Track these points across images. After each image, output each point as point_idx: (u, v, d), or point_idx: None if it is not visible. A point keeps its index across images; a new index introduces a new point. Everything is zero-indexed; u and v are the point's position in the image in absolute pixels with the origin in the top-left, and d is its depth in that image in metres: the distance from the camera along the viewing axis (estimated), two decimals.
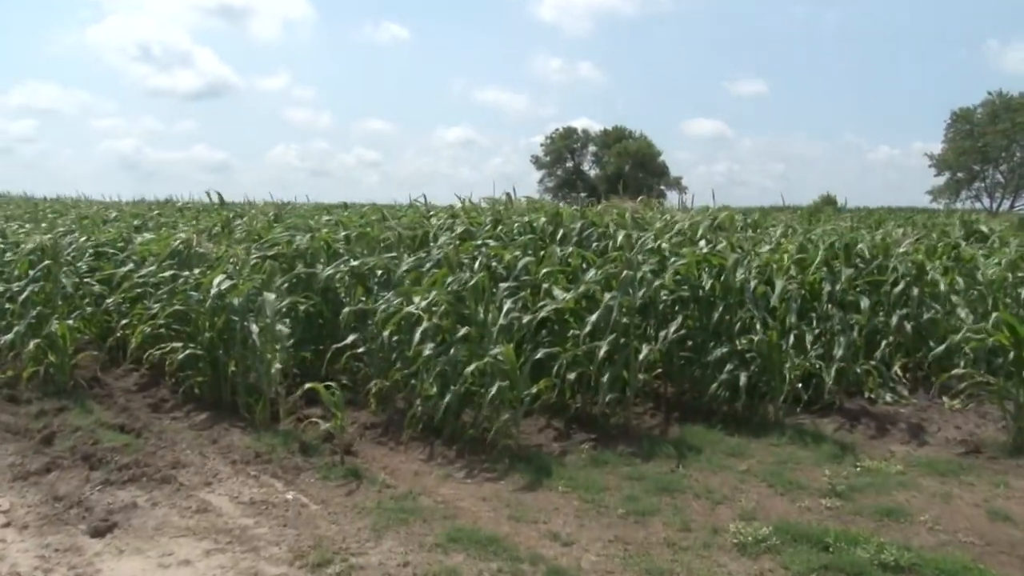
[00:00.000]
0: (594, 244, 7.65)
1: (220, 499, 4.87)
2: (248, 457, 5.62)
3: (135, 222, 12.29)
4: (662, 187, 62.52)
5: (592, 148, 71.93)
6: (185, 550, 4.13)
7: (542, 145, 72.31)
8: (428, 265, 6.82)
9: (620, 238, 7.29)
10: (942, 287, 8.16)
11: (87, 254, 9.41)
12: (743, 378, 6.27)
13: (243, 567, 3.95)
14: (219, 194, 15.33)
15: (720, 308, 6.64)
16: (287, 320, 7.18)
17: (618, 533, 4.34)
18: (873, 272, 7.94)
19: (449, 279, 5.91)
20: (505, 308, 5.80)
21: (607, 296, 5.99)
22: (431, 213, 9.58)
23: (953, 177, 62.88)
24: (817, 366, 6.72)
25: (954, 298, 8.22)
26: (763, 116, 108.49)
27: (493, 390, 5.30)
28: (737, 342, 6.56)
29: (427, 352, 5.73)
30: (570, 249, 7.32)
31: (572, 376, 6.10)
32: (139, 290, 7.78)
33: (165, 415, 6.78)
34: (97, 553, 4.08)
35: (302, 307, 7.12)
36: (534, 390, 5.65)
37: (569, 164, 72.20)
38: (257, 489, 5.05)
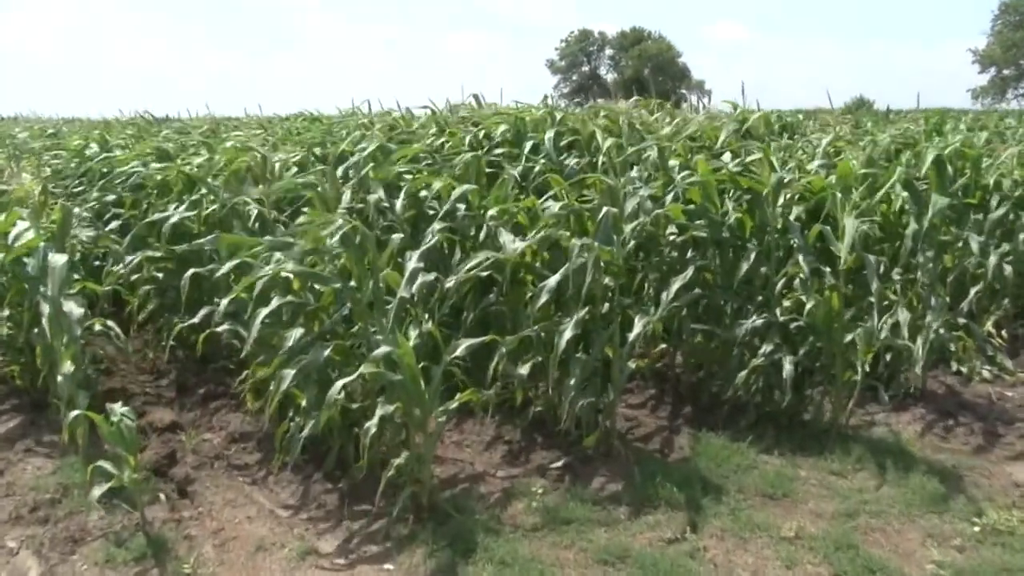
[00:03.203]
0: (573, 161, 5.41)
1: None
2: (23, 508, 3.65)
3: (36, 144, 10.17)
4: (683, 91, 58.74)
5: (609, 51, 67.76)
6: None
7: (557, 49, 68.22)
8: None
9: (609, 148, 5.09)
10: None
11: None
12: (788, 365, 4.12)
13: None
14: (168, 116, 13.52)
15: (751, 256, 4.41)
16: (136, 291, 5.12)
17: None
18: (958, 194, 5.66)
19: (320, 224, 3.68)
20: (410, 269, 3.65)
21: (576, 244, 3.78)
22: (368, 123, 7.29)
23: (999, 74, 58.19)
24: (896, 339, 4.56)
25: None
26: (789, 17, 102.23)
27: (374, 420, 3.19)
28: (778, 309, 4.38)
29: (290, 343, 3.63)
30: (537, 167, 5.13)
31: (524, 371, 3.99)
32: None
33: None
34: None
35: (154, 267, 5.00)
36: (454, 404, 3.54)
37: (585, 68, 68.21)
38: None
